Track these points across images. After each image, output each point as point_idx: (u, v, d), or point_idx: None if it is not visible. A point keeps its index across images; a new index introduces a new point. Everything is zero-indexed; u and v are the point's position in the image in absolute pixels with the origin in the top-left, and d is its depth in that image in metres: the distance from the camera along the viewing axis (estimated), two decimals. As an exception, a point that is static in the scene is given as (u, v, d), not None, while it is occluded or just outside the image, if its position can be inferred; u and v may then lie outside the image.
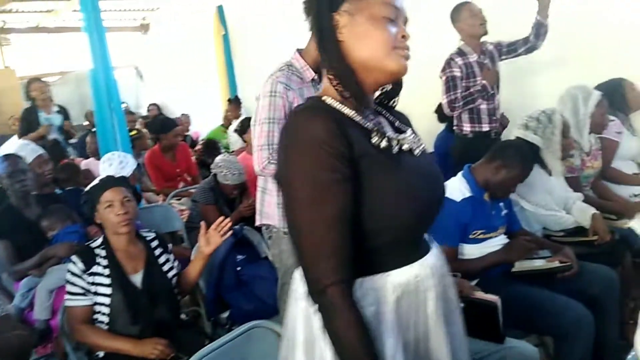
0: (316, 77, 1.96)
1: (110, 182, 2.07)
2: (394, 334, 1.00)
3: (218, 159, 3.37)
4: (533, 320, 1.99)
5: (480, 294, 1.85)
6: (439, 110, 3.86)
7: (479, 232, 2.16)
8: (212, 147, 5.19)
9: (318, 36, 1.05)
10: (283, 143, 1.00)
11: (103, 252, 1.98)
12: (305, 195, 0.94)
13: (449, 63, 3.10)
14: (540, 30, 3.02)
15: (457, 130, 3.24)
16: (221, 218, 2.10)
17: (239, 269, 2.56)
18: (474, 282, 2.13)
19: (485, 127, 3.13)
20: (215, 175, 3.34)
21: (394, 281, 1.01)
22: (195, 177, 4.44)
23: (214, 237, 2.06)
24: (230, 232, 2.10)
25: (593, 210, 2.49)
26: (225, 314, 2.48)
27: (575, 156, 2.71)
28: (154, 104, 8.54)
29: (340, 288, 0.93)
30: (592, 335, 1.91)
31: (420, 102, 3.72)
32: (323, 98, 1.06)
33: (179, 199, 4.07)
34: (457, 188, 2.16)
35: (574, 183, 2.69)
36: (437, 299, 1.06)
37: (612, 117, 2.92)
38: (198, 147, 5.72)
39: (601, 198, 2.79)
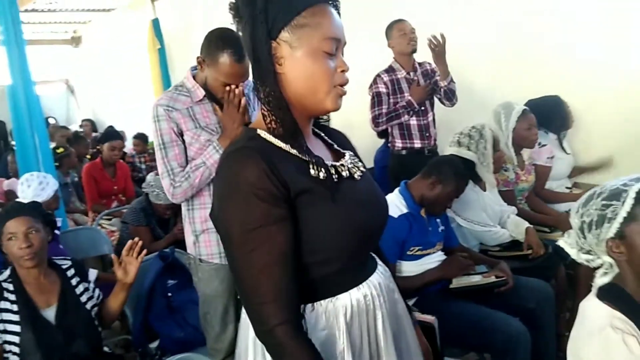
0: (205, 97, 1.89)
1: (13, 211, 1.87)
2: (348, 356, 1.01)
3: (149, 177, 3.21)
4: (470, 337, 1.97)
5: (417, 315, 1.80)
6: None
7: (417, 248, 2.14)
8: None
9: (255, 65, 0.99)
10: (215, 187, 1.01)
11: (10, 286, 1.80)
12: (239, 242, 0.94)
13: (375, 80, 3.17)
14: (449, 94, 3.10)
15: (390, 147, 3.25)
16: (130, 242, 1.96)
17: (169, 294, 2.42)
18: (412, 301, 2.10)
19: (417, 144, 3.15)
20: (147, 194, 3.17)
21: (344, 304, 1.02)
22: (131, 198, 4.25)
23: (130, 263, 1.92)
24: (144, 253, 1.95)
25: (527, 224, 2.52)
26: (155, 344, 2.33)
27: (510, 170, 2.76)
28: (88, 120, 8.19)
29: (286, 328, 0.92)
30: (528, 349, 1.91)
31: (363, 116, 3.73)
32: (258, 131, 1.01)
33: (110, 219, 3.87)
34: (394, 204, 2.13)
35: (509, 196, 2.72)
36: (387, 316, 1.07)
37: (543, 143, 2.99)
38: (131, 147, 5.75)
39: (535, 211, 2.85)
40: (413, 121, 3.14)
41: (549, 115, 3.01)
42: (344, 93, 1.02)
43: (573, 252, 1.22)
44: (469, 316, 1.98)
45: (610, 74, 3.24)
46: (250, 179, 0.91)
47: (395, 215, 2.09)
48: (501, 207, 2.62)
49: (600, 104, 3.29)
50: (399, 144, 3.20)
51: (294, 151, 0.99)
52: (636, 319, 1.11)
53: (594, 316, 1.15)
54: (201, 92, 1.88)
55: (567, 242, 1.23)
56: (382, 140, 4.14)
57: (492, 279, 2.14)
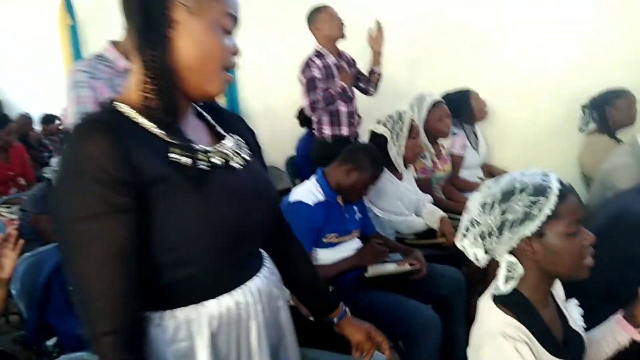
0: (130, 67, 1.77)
1: None
2: None
3: (53, 161, 2.98)
4: (384, 325, 1.94)
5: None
6: (301, 115, 3.82)
7: (333, 235, 2.11)
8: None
9: (143, 24, 0.84)
10: (59, 165, 0.84)
11: None
12: (69, 230, 0.79)
13: (307, 64, 3.06)
14: (375, 77, 3.17)
15: (316, 134, 3.20)
16: (9, 229, 1.77)
17: (71, 288, 2.24)
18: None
19: (345, 131, 3.14)
20: (49, 180, 2.94)
21: (210, 313, 0.90)
22: (32, 182, 3.93)
23: (4, 256, 1.73)
24: (20, 245, 1.76)
25: (441, 213, 2.56)
26: (52, 341, 2.15)
27: (427, 158, 2.79)
28: (-8, 101, 7.55)
29: (113, 339, 0.79)
30: (439, 335, 1.93)
31: (285, 104, 3.66)
32: (118, 105, 0.87)
33: (9, 207, 3.56)
34: (310, 192, 2.10)
35: (425, 184, 2.76)
36: (263, 327, 0.98)
37: (457, 131, 3.07)
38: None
39: (450, 200, 2.90)
40: (343, 108, 3.12)
41: (459, 107, 3.09)
42: (230, 79, 0.93)
43: (470, 251, 1.15)
44: (383, 305, 1.98)
45: (522, 71, 3.39)
46: (92, 159, 0.77)
47: (311, 203, 2.05)
48: (417, 196, 2.65)
49: (513, 99, 3.44)
50: (327, 131, 3.16)
51: (157, 131, 0.85)
52: (530, 324, 1.10)
53: (488, 320, 1.13)
54: (125, 63, 1.75)
55: (469, 241, 1.15)
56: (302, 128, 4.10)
57: (407, 267, 2.15)
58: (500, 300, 1.13)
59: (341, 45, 3.17)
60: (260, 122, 4.12)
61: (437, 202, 2.71)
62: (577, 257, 1.09)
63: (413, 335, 1.91)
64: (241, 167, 0.96)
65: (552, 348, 1.11)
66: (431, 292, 2.16)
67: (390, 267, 2.17)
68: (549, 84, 3.34)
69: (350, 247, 2.17)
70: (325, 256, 2.10)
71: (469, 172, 3.21)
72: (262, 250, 1.07)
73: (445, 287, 2.17)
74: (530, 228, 1.07)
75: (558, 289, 1.27)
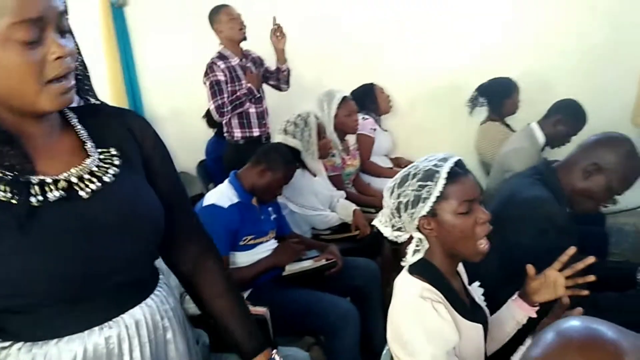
0: None
1: None
2: None
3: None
4: (303, 322, 2.00)
5: (249, 308, 1.77)
6: (208, 116, 3.75)
7: (249, 237, 2.11)
8: None
9: None
10: None
11: None
12: None
13: (211, 67, 3.00)
14: (287, 78, 3.20)
15: (228, 137, 3.16)
16: None
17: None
18: (247, 292, 2.07)
19: (256, 132, 3.12)
20: None
21: (72, 349, 0.83)
22: None
23: None
24: None
25: (354, 207, 2.63)
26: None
27: (337, 155, 2.86)
28: None
29: None
30: (357, 325, 1.99)
31: (193, 106, 3.57)
32: None
33: None
34: (224, 195, 2.09)
35: (337, 181, 2.82)
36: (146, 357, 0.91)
37: (366, 116, 3.17)
38: None
39: (361, 194, 2.99)
40: (252, 109, 3.09)
41: (364, 101, 3.19)
42: (67, 88, 0.79)
43: (386, 231, 1.26)
44: (300, 302, 2.01)
45: (424, 65, 3.55)
46: None
47: (226, 206, 2.04)
48: (331, 192, 2.71)
49: (415, 93, 3.60)
50: (238, 133, 3.12)
51: None
52: (442, 289, 1.19)
53: (406, 288, 1.21)
54: None
55: (380, 221, 1.28)
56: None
57: (323, 262, 2.20)
58: (415, 271, 1.23)
59: (254, 45, 3.14)
60: (168, 126, 4.00)
61: (349, 197, 2.79)
62: (470, 235, 1.18)
63: (333, 328, 1.95)
64: (93, 194, 0.84)
65: (463, 311, 1.20)
66: (348, 284, 2.23)
67: (306, 264, 2.21)
68: (448, 78, 3.53)
69: (267, 248, 2.17)
70: (242, 259, 2.10)
71: (379, 159, 3.31)
72: (159, 273, 1.01)
73: (361, 278, 2.24)
74: (423, 209, 1.17)
75: (464, 276, 1.37)
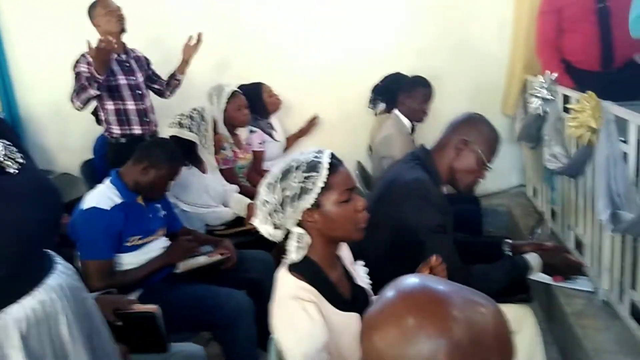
0: None
1: None
2: None
3: None
4: (198, 318, 1.98)
5: (138, 306, 1.73)
6: (96, 112, 3.56)
7: (136, 238, 2.03)
8: None
9: None
10: None
11: None
12: None
13: (79, 59, 2.84)
14: (174, 83, 3.14)
15: (108, 136, 3.01)
16: None
17: None
18: (137, 293, 2.01)
19: (137, 130, 2.98)
20: None
21: (17, 317, 0.93)
22: None
23: None
24: None
25: (248, 200, 2.64)
26: None
27: (227, 149, 2.84)
28: None
29: None
30: (252, 317, 2.00)
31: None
32: None
33: None
34: (105, 196, 2.00)
35: (229, 174, 2.81)
36: (74, 319, 1.01)
37: (254, 129, 3.17)
38: None
39: (256, 187, 2.99)
40: (131, 105, 2.95)
41: (250, 101, 3.18)
42: None
43: (264, 229, 1.25)
44: (195, 298, 1.99)
45: (316, 61, 3.63)
46: None
47: (108, 208, 1.95)
48: (224, 187, 2.69)
49: (308, 89, 3.66)
50: (116, 130, 2.97)
51: None
52: (319, 285, 1.23)
53: (282, 287, 1.23)
54: None
55: (259, 220, 1.26)
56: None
57: (217, 257, 2.19)
58: (293, 268, 1.25)
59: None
60: (48, 125, 3.74)
61: (243, 191, 2.79)
62: (352, 221, 1.24)
63: (228, 321, 1.95)
64: (17, 171, 0.95)
65: (339, 304, 1.25)
66: (244, 277, 2.23)
67: (200, 260, 2.18)
68: (341, 73, 3.62)
69: (157, 246, 2.12)
70: (130, 260, 2.03)
71: (272, 163, 3.33)
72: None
73: (257, 271, 2.25)
74: (308, 200, 1.20)
75: (346, 253, 1.42)
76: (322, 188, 1.19)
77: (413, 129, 2.88)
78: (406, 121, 2.82)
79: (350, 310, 1.26)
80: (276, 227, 1.23)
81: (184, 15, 3.53)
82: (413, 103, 2.81)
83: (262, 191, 1.24)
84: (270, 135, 3.33)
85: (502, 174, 3.53)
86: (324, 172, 1.19)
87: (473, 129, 1.74)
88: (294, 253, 1.24)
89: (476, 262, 1.72)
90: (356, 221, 1.25)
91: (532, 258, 1.68)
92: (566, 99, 2.46)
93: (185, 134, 2.45)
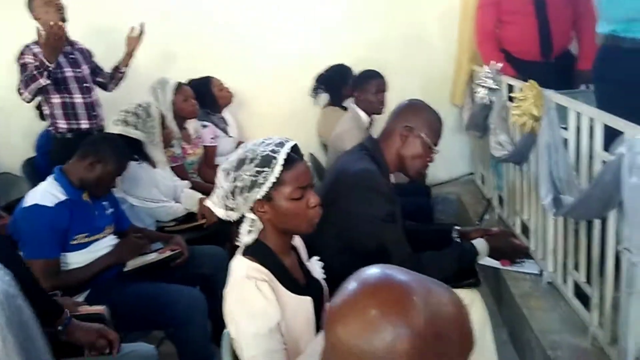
0: None
1: None
2: None
3: None
4: (150, 317, 1.94)
5: (85, 308, 1.68)
6: (40, 106, 3.41)
7: (82, 236, 1.97)
8: None
9: None
10: None
11: None
12: None
13: (23, 51, 2.75)
14: (118, 76, 3.07)
15: (53, 131, 2.90)
16: None
17: None
18: (84, 294, 1.94)
19: (84, 124, 2.89)
20: None
21: None
22: None
23: None
24: None
25: (200, 195, 2.59)
26: None
27: (176, 145, 2.79)
28: None
29: None
30: (205, 313, 1.97)
31: (15, 100, 3.22)
32: None
33: None
34: (48, 193, 1.93)
35: (180, 171, 2.76)
36: (6, 326, 0.97)
37: (205, 124, 3.11)
38: None
39: (207, 182, 2.95)
40: (78, 99, 2.86)
41: (201, 95, 3.12)
42: None
43: (219, 211, 1.26)
44: (145, 297, 1.94)
45: (266, 54, 3.60)
46: None
47: (51, 204, 1.88)
48: (174, 183, 2.63)
49: (262, 84, 3.64)
50: (63, 125, 2.86)
51: None
52: (273, 267, 1.24)
53: (236, 269, 1.24)
54: None
55: (214, 202, 1.27)
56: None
57: (167, 253, 2.14)
58: (247, 252, 1.26)
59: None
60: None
61: (195, 187, 2.74)
62: (302, 217, 1.25)
63: (181, 319, 1.91)
64: None
65: (292, 287, 1.26)
66: (196, 273, 2.19)
67: (150, 257, 2.13)
68: (292, 66, 3.60)
69: (104, 244, 2.05)
70: (76, 259, 1.96)
71: (225, 158, 3.26)
72: None
73: (209, 266, 2.21)
74: (259, 193, 1.20)
75: (301, 250, 1.43)
76: (274, 183, 1.20)
77: (371, 123, 2.90)
78: (363, 115, 2.84)
79: (304, 294, 1.27)
80: (230, 209, 1.24)
81: (127, 5, 3.42)
82: (368, 95, 2.83)
83: (220, 174, 1.25)
84: (224, 130, 3.28)
85: (452, 163, 3.62)
86: (277, 167, 1.20)
87: (415, 115, 1.77)
88: (246, 236, 1.25)
89: (426, 250, 1.75)
90: (308, 217, 1.26)
91: (479, 243, 1.73)
92: (511, 88, 2.53)
93: (131, 133, 2.38)
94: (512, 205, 2.67)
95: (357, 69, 3.20)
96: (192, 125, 2.96)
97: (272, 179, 1.19)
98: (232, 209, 1.25)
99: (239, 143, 3.42)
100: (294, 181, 1.22)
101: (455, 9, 3.44)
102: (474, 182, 3.55)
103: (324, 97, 3.36)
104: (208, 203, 1.29)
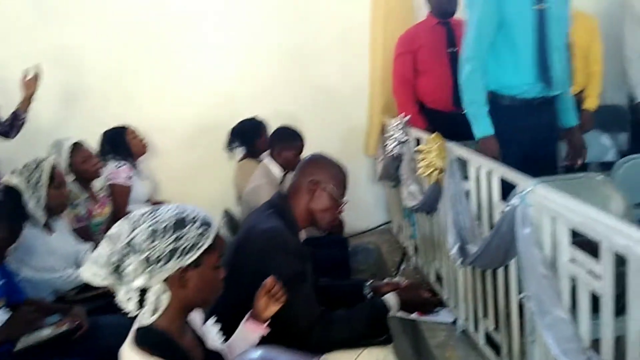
0: None
1: None
2: None
3: None
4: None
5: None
6: None
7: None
8: None
9: None
10: None
11: None
12: None
13: None
14: (18, 123, 2.91)
15: None
16: None
17: None
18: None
19: None
20: None
21: None
22: None
23: None
24: None
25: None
26: None
27: (81, 205, 2.64)
28: None
29: None
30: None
31: None
32: None
33: None
34: None
35: (84, 233, 2.59)
36: None
37: (120, 163, 3.00)
38: None
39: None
40: None
41: (116, 145, 3.05)
42: None
43: (104, 282, 1.14)
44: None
45: (178, 104, 3.54)
46: None
47: None
48: (76, 247, 2.46)
49: (178, 136, 3.56)
50: None
51: None
52: (172, 357, 1.13)
53: None
54: None
55: (93, 274, 1.13)
56: None
57: (64, 326, 1.97)
58: (140, 343, 1.14)
59: None
60: None
61: (101, 249, 2.57)
62: (216, 288, 1.23)
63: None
64: None
65: None
66: (98, 346, 2.01)
67: (45, 333, 1.95)
68: (207, 118, 3.56)
69: (-8, 319, 1.86)
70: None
71: (139, 206, 3.14)
72: None
73: (113, 337, 2.04)
74: (195, 255, 1.13)
75: (196, 317, 1.34)
76: (207, 247, 1.15)
77: (284, 177, 2.88)
78: (276, 170, 2.83)
79: None
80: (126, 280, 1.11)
81: (23, 46, 3.27)
82: (290, 155, 2.84)
83: (139, 235, 1.11)
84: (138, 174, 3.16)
85: (370, 212, 3.67)
86: (214, 229, 1.17)
87: (319, 169, 1.79)
88: (149, 314, 1.14)
89: (339, 307, 1.72)
90: (217, 289, 1.23)
91: (390, 299, 1.72)
92: (419, 140, 2.62)
93: (12, 180, 2.21)
94: (426, 254, 2.71)
95: (272, 122, 3.22)
96: (99, 183, 2.82)
97: (210, 240, 1.15)
98: (130, 280, 1.11)
99: (154, 203, 3.31)
100: (219, 248, 1.20)
101: (365, 63, 3.56)
102: (391, 231, 3.60)
103: (241, 150, 3.33)
104: (88, 276, 1.14)
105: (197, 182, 3.56)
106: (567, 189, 1.40)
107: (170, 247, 1.11)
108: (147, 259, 1.10)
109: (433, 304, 1.94)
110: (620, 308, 1.16)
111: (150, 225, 1.12)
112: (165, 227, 1.12)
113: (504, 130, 2.15)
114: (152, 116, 3.47)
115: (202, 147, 3.58)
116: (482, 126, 2.19)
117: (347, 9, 3.54)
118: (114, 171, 2.97)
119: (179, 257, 1.11)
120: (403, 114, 2.75)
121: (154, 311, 1.14)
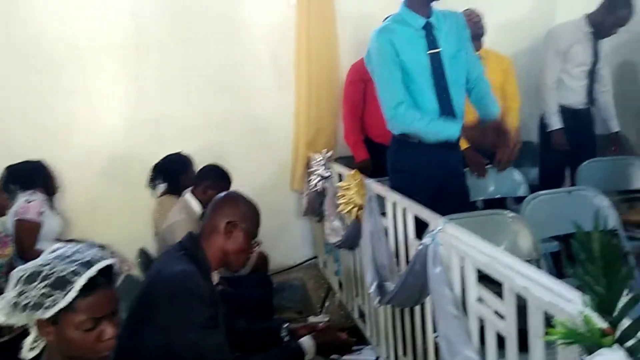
0: None
1: None
2: None
3: None
4: None
5: None
6: None
7: None
8: None
9: None
10: None
11: None
12: None
13: None
14: None
15: None
16: None
17: None
18: None
19: None
20: None
21: None
22: None
23: None
24: None
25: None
26: None
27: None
28: None
29: None
30: None
31: None
32: None
33: None
34: None
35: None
36: None
37: (31, 198, 2.81)
38: None
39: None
40: None
41: (31, 178, 2.86)
42: None
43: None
44: None
45: (100, 147, 3.38)
46: None
47: None
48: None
49: (92, 171, 3.38)
50: None
51: None
52: None
53: None
54: None
55: None
56: None
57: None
58: None
59: None
60: None
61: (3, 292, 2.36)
62: (88, 349, 1.12)
63: None
64: None
65: None
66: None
67: None
68: (125, 151, 3.42)
69: None
70: None
71: (49, 244, 2.92)
72: None
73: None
74: (44, 314, 1.07)
75: None
76: (63, 308, 1.07)
77: (203, 214, 2.78)
78: (196, 205, 2.72)
79: None
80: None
81: None
82: (215, 194, 2.71)
83: (10, 282, 1.11)
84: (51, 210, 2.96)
85: (296, 248, 3.62)
86: (71, 293, 1.07)
87: (235, 209, 1.74)
88: (28, 352, 1.11)
89: (257, 350, 1.66)
90: (95, 350, 1.13)
91: (306, 342, 1.67)
92: (341, 175, 2.63)
93: None
94: (349, 290, 2.69)
95: (197, 157, 3.13)
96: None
97: (62, 304, 1.07)
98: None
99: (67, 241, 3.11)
100: (88, 311, 1.10)
101: (291, 98, 3.56)
102: (318, 266, 3.57)
103: (163, 186, 3.20)
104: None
105: (114, 219, 3.39)
106: (478, 226, 1.43)
107: (15, 299, 1.09)
108: (8, 304, 1.09)
109: (350, 345, 1.90)
110: (526, 344, 1.17)
111: (19, 271, 1.12)
112: (18, 278, 1.10)
113: (416, 166, 2.16)
114: (67, 149, 3.30)
115: (123, 181, 3.42)
116: (451, 126, 2.12)
117: (274, 43, 3.54)
118: (24, 206, 2.77)
119: (24, 310, 1.08)
120: (325, 150, 2.77)
121: (31, 349, 1.13)
